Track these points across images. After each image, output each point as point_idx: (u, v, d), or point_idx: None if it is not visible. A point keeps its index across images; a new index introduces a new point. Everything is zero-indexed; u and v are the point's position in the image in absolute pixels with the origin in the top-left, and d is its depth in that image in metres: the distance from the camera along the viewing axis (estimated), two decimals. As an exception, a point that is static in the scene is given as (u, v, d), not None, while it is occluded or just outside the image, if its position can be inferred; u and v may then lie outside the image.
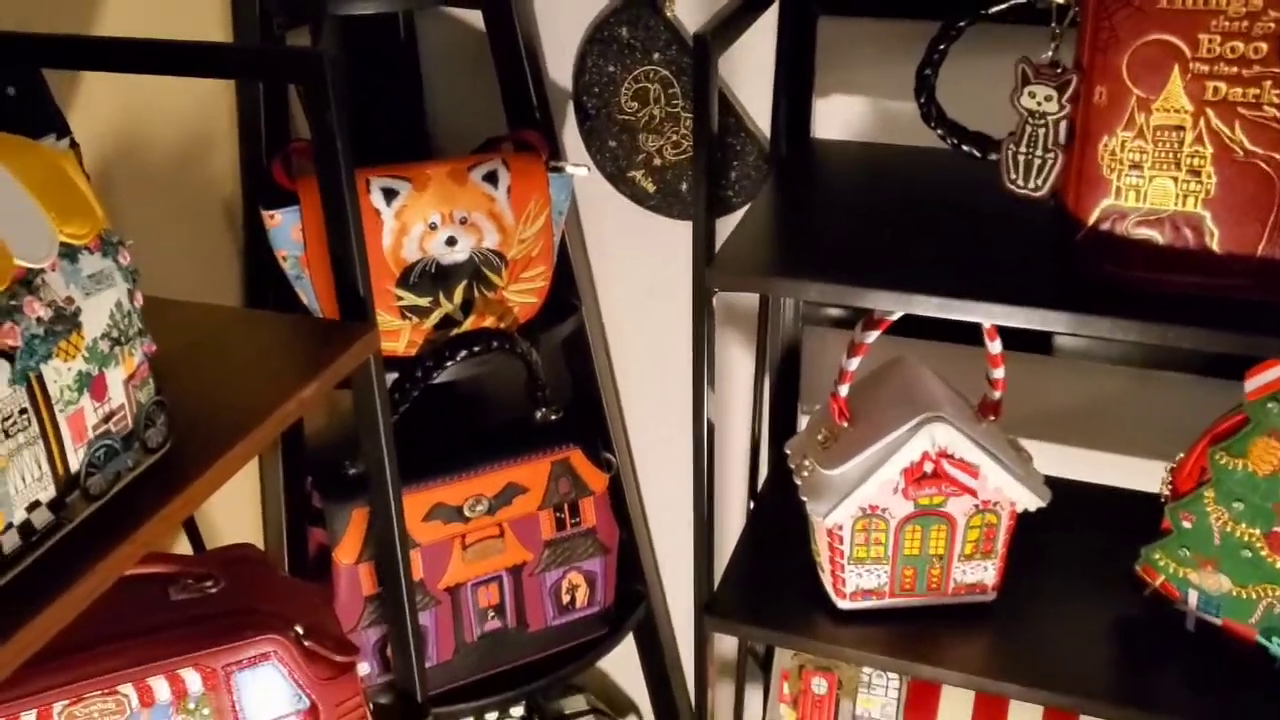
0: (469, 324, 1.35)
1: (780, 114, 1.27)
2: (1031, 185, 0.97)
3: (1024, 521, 1.16)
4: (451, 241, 1.31)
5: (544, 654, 1.52)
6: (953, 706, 1.27)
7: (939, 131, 1.01)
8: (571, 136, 1.50)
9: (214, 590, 0.97)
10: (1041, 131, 0.95)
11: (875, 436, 1.11)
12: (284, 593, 1.02)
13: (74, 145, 0.94)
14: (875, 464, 1.10)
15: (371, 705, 1.36)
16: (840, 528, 1.13)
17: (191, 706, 0.93)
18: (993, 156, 1.00)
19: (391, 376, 1.33)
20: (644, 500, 1.73)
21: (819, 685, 1.44)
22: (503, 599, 1.47)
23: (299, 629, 0.97)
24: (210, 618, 0.95)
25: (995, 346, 1.10)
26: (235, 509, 1.45)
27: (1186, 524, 1.11)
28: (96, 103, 1.14)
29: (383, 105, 1.52)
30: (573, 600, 1.52)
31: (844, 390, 1.13)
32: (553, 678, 1.53)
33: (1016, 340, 1.33)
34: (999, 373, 1.12)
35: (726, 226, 1.09)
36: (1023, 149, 0.97)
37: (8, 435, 0.63)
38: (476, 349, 1.32)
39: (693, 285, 1.04)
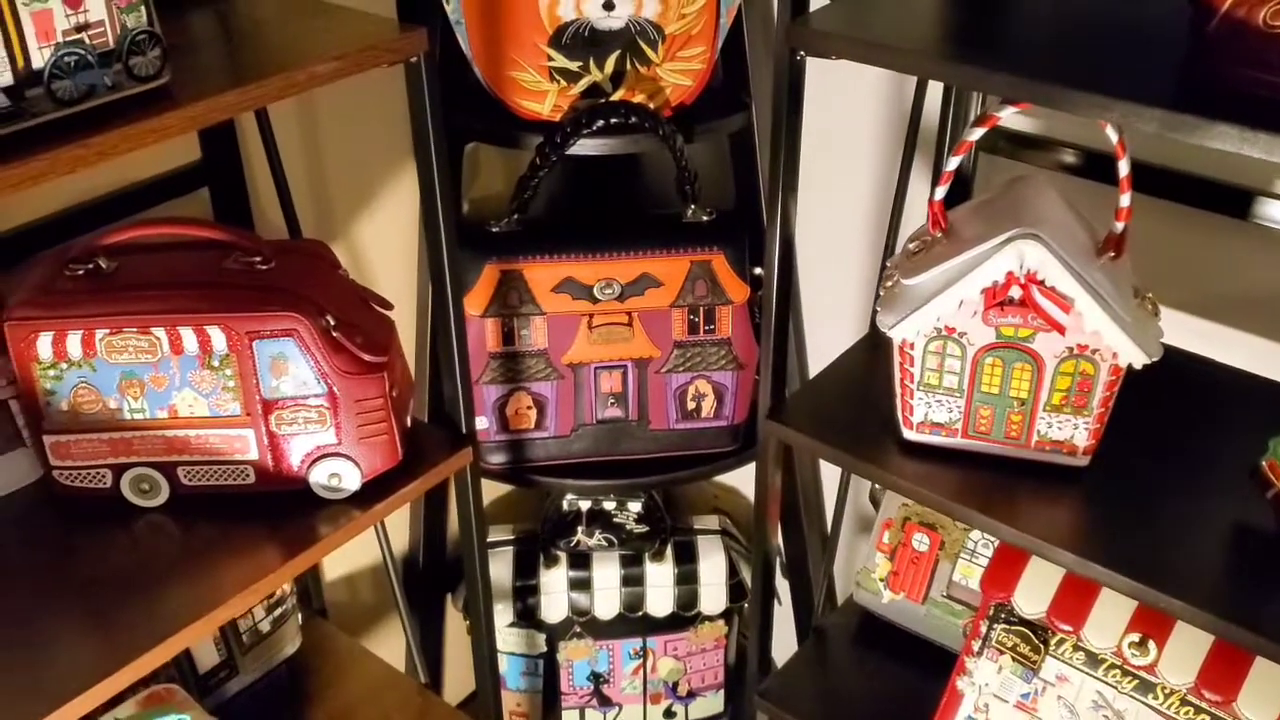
0: (617, 97, 1.33)
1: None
2: (1160, -43, 0.82)
3: (1138, 389, 1.01)
4: (609, 5, 1.28)
5: (663, 453, 1.52)
6: (1035, 582, 1.15)
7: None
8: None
9: (263, 267, 1.02)
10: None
11: (962, 249, 1.00)
12: (334, 288, 1.06)
13: None
14: (953, 278, 0.99)
15: (482, 464, 1.40)
16: (910, 345, 1.04)
17: (215, 364, 1.00)
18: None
19: (535, 140, 1.33)
20: (801, 323, 1.66)
21: (920, 541, 1.35)
22: (625, 388, 1.47)
23: (330, 319, 1.01)
24: (248, 288, 1.00)
25: (1124, 166, 0.95)
26: (391, 252, 1.51)
27: (1322, 416, 0.93)
28: None
29: None
30: (698, 408, 1.49)
31: (939, 193, 1.02)
32: (669, 477, 1.53)
33: (1207, 197, 1.16)
34: (1125, 199, 0.97)
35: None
36: (1158, -88, 0.81)
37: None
38: (614, 120, 1.30)
39: (775, 46, 0.96)
